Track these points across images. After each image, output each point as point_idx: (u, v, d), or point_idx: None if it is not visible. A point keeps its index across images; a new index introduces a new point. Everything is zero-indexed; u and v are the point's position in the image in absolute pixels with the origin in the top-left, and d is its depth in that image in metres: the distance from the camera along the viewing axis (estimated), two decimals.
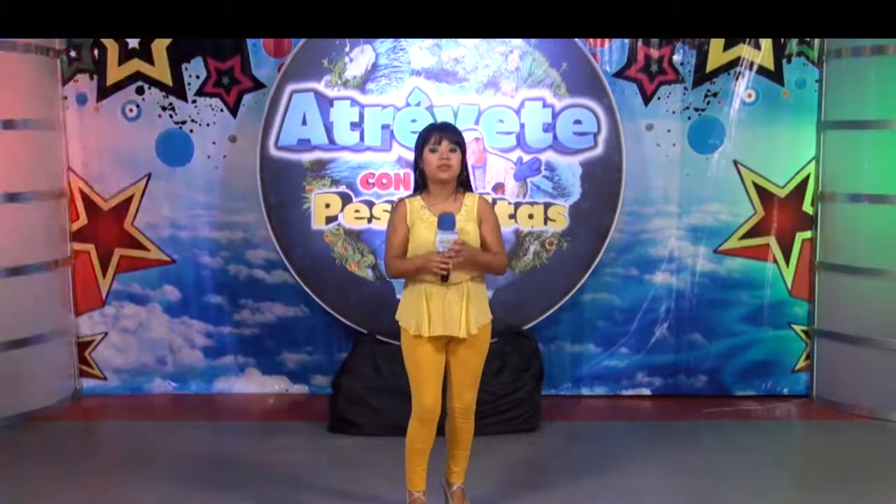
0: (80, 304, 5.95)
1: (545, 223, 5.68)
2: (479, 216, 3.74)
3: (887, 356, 5.42)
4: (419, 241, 3.68)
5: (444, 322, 3.66)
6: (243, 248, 5.90)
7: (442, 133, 3.70)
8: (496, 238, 3.76)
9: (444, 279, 3.61)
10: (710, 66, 5.72)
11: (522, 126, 5.64)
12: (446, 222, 3.58)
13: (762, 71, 5.70)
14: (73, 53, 5.74)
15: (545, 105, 5.62)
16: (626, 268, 5.87)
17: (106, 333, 5.99)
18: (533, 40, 5.56)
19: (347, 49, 5.59)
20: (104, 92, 5.76)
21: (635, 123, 5.73)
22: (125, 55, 5.72)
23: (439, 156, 3.67)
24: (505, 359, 5.35)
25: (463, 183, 3.76)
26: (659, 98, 5.74)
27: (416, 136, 3.81)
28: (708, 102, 5.74)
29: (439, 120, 5.53)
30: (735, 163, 5.78)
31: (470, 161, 5.55)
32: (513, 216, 5.66)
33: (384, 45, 5.60)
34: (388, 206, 5.59)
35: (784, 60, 5.70)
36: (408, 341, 3.74)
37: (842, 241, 5.65)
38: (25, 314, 5.48)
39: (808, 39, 5.67)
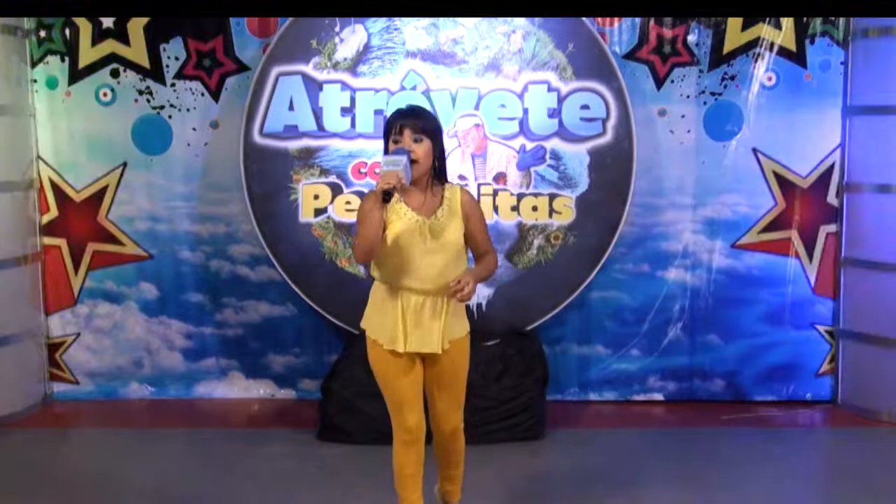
0: (51, 303, 5.93)
1: (550, 216, 5.65)
2: (464, 212, 3.53)
3: None
4: (396, 235, 3.45)
5: (421, 337, 3.48)
6: (226, 243, 5.88)
7: (404, 120, 3.45)
8: (485, 235, 3.59)
9: (387, 199, 3.32)
10: (727, 47, 5.69)
11: (526, 111, 5.61)
12: (396, 151, 3.40)
13: (783, 52, 5.67)
14: (42, 33, 5.71)
15: (550, 89, 5.60)
16: (637, 264, 5.85)
17: (78, 334, 5.97)
18: (537, 19, 5.54)
19: (338, 29, 5.57)
20: (76, 75, 5.73)
21: (647, 109, 5.71)
22: (99, 35, 5.69)
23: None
24: (507, 362, 5.33)
25: (437, 174, 3.53)
26: (672, 81, 5.71)
27: None
28: (725, 86, 5.71)
29: (436, 105, 5.51)
30: (754, 151, 5.76)
31: (469, 149, 5.57)
32: (515, 208, 5.64)
33: (377, 24, 5.57)
34: None
35: (807, 41, 5.68)
36: (379, 355, 3.56)
37: (869, 234, 5.63)
38: None
39: (833, 18, 5.64)
